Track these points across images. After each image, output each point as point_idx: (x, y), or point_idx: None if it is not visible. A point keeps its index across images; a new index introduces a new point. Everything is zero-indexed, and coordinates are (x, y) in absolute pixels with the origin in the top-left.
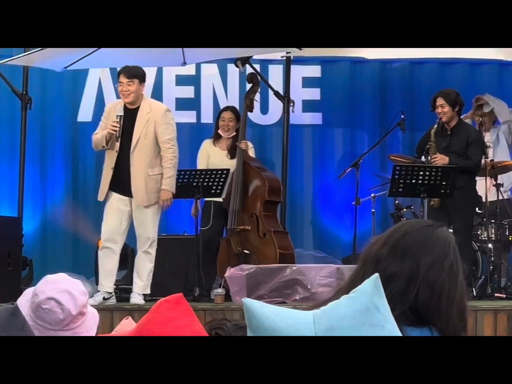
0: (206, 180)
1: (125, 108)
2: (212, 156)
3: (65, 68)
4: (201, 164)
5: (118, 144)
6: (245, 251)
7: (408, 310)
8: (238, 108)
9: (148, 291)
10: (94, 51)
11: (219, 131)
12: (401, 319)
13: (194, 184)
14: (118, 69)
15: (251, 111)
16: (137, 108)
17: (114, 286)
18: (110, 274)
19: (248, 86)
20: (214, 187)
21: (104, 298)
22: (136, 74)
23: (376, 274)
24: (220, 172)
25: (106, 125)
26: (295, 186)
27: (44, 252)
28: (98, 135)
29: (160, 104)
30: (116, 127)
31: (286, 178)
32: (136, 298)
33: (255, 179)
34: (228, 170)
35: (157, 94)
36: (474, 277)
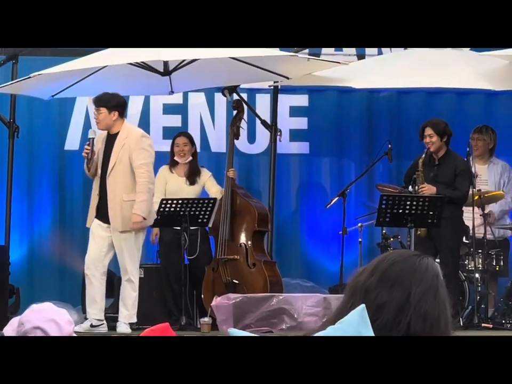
0: (193, 209)
1: (108, 134)
2: (169, 182)
3: (53, 96)
4: (158, 191)
5: (99, 169)
6: (234, 281)
7: None
8: (226, 136)
9: (134, 319)
10: (81, 79)
11: (175, 157)
12: None
13: (181, 213)
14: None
15: (237, 138)
16: (117, 134)
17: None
18: (93, 302)
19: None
20: (201, 216)
21: (91, 326)
22: (102, 103)
23: (363, 305)
24: (207, 201)
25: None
26: (282, 215)
27: (31, 280)
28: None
29: (136, 130)
30: (87, 149)
31: (273, 208)
32: (123, 327)
33: (244, 208)
34: (215, 199)
35: (144, 122)
36: (461, 307)
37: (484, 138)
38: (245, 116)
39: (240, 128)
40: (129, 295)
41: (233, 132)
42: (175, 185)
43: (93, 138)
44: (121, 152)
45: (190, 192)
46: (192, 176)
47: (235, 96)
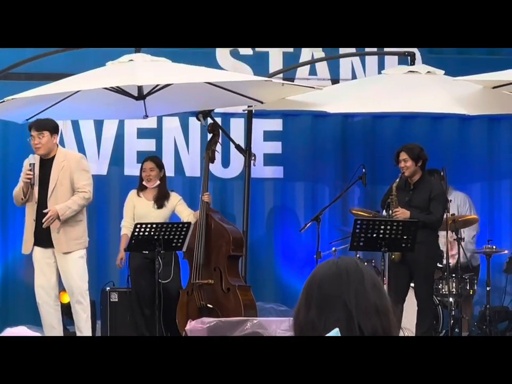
0: (167, 233)
1: (41, 159)
2: (137, 206)
3: (27, 119)
4: (126, 215)
5: (36, 194)
6: (208, 305)
7: None
8: (200, 161)
9: None
10: (56, 103)
11: (143, 182)
12: None
13: (155, 237)
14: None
15: (212, 162)
16: (52, 158)
17: None
18: (52, 328)
19: (207, 140)
20: (175, 240)
21: None
22: (46, 126)
23: (336, 329)
24: (181, 225)
25: None
26: (256, 239)
27: (5, 303)
28: (16, 188)
29: (74, 152)
30: (30, 174)
31: (247, 232)
32: None
33: (219, 233)
34: (189, 223)
35: (118, 146)
36: (435, 331)
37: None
38: (220, 140)
39: (215, 152)
40: (81, 318)
41: (208, 156)
42: (142, 209)
43: (33, 163)
44: (61, 175)
45: (157, 216)
46: (160, 200)
47: (209, 121)
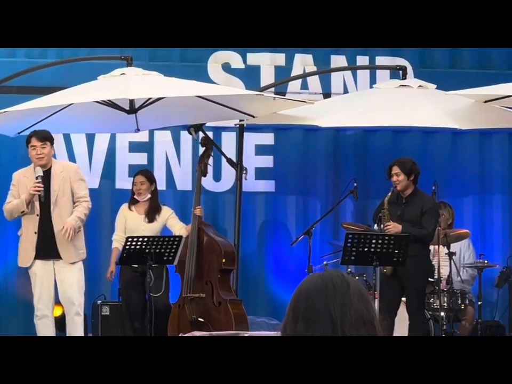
0: (159, 246)
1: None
2: (128, 220)
3: (19, 133)
4: (118, 228)
5: (37, 206)
6: (199, 319)
7: None
8: (192, 174)
9: None
10: (48, 116)
11: (135, 196)
12: None
13: (147, 250)
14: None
15: (205, 175)
16: (49, 170)
17: None
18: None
19: (199, 153)
20: (167, 254)
21: None
22: (47, 137)
23: None
24: (172, 239)
25: (18, 192)
26: (247, 253)
27: None
28: (14, 201)
29: (70, 163)
30: (40, 186)
31: (238, 245)
32: None
33: (211, 246)
34: (180, 237)
35: (110, 160)
36: None
37: (443, 213)
38: (212, 153)
39: (208, 166)
40: (79, 330)
41: (200, 169)
42: (133, 223)
43: (41, 175)
44: (62, 186)
45: (148, 229)
46: (151, 214)
47: (201, 134)
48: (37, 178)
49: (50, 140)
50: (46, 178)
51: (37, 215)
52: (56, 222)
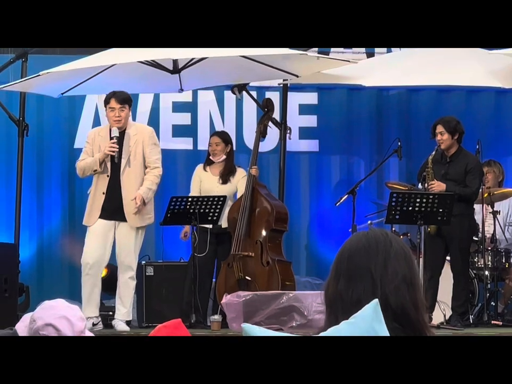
0: (203, 207)
1: (111, 132)
2: (203, 181)
3: (62, 94)
4: (193, 189)
5: (109, 167)
6: (247, 277)
7: (393, 322)
8: (236, 134)
9: (130, 317)
10: (91, 77)
11: (210, 157)
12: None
13: (191, 211)
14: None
15: (264, 137)
16: (124, 131)
17: (105, 313)
18: (95, 300)
19: (246, 112)
20: (211, 214)
21: (93, 324)
22: (126, 99)
23: (376, 300)
24: (216, 199)
25: (92, 150)
26: (291, 213)
27: (41, 278)
28: (88, 159)
29: (145, 126)
30: (115, 147)
31: None
32: (122, 325)
33: (263, 206)
34: (224, 197)
35: (154, 120)
36: (471, 304)
37: (493, 170)
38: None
39: (268, 127)
40: (131, 293)
41: (260, 130)
42: (208, 184)
43: (117, 136)
44: (134, 149)
45: (221, 191)
46: (225, 176)
47: (245, 94)
48: (111, 138)
49: (129, 102)
50: (119, 140)
51: (107, 176)
52: (125, 184)
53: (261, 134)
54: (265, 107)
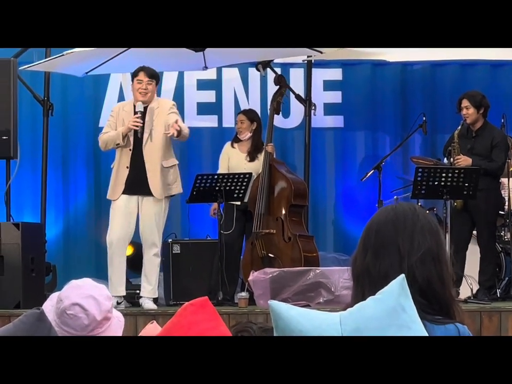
0: (229, 184)
1: (134, 106)
2: (231, 158)
3: (87, 73)
4: (221, 166)
5: (132, 141)
6: (270, 255)
7: (420, 297)
8: (260, 111)
9: (156, 295)
10: (115, 56)
11: (237, 134)
12: (422, 315)
13: (217, 188)
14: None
15: (278, 113)
16: (147, 107)
17: (132, 291)
18: (121, 279)
19: (270, 89)
20: (237, 191)
21: (117, 303)
22: (155, 74)
23: (402, 275)
24: (242, 176)
25: (116, 124)
26: (317, 189)
27: (67, 257)
28: (111, 133)
29: (167, 99)
30: (139, 122)
31: (308, 182)
32: (149, 303)
33: (281, 182)
34: (250, 174)
35: (178, 98)
36: (498, 278)
37: None
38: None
39: (281, 104)
40: (156, 270)
41: (273, 107)
42: (235, 161)
43: (142, 111)
44: (156, 121)
45: (248, 168)
46: (252, 153)
47: (269, 71)
48: (136, 113)
49: (157, 78)
50: (143, 114)
51: (130, 150)
52: (148, 157)
53: (275, 110)
54: (277, 83)
